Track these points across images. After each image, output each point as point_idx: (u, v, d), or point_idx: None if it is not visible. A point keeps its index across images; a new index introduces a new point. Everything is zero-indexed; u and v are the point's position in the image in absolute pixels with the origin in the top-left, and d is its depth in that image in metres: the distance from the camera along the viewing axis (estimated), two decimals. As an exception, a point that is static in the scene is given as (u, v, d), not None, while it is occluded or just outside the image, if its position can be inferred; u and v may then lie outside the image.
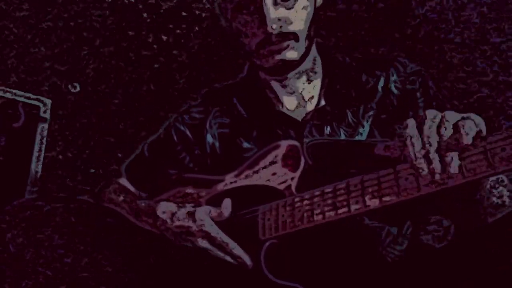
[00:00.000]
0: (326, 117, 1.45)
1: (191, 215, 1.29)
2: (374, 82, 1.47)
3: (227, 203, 1.29)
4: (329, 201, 1.21)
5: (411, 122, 1.07)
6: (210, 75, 2.09)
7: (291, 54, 1.41)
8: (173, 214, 1.31)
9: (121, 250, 1.46)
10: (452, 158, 1.04)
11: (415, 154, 1.05)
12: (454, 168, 1.04)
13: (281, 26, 1.37)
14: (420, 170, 1.05)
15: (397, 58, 1.52)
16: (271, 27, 1.36)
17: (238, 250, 1.26)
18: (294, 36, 1.39)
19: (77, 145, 2.15)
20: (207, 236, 1.27)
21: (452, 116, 1.06)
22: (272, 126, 1.47)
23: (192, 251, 1.30)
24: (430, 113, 1.07)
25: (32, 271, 1.34)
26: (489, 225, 1.22)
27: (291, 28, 1.39)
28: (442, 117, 1.06)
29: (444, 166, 1.05)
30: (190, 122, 1.57)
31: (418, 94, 1.46)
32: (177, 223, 1.30)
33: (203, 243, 1.27)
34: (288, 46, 1.39)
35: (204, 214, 1.28)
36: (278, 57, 1.40)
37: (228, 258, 1.27)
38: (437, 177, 1.05)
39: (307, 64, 1.48)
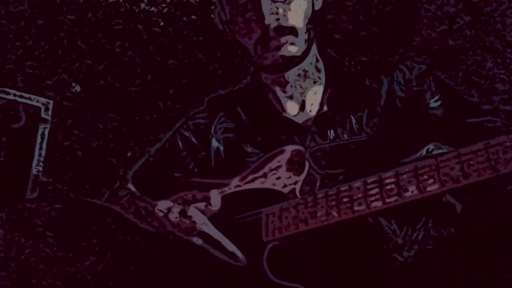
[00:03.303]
0: (329, 122, 1.45)
1: (183, 213, 1.32)
2: (378, 87, 1.46)
3: (213, 194, 1.33)
4: (332, 203, 1.22)
5: None
6: (214, 80, 2.09)
7: (292, 49, 1.41)
8: (168, 211, 1.33)
9: (123, 250, 1.46)
10: None
11: None
12: None
13: (278, 20, 1.38)
14: None
15: (402, 62, 1.51)
16: (268, 20, 1.37)
17: (230, 246, 1.28)
18: (292, 30, 1.40)
19: (78, 146, 2.15)
20: (200, 232, 1.29)
21: None
22: (275, 131, 1.47)
23: (194, 252, 1.31)
24: None
25: (33, 271, 1.34)
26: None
27: (289, 23, 1.39)
28: None
29: None
30: (194, 128, 1.57)
31: (427, 95, 1.44)
32: (173, 220, 1.32)
33: (195, 240, 1.30)
34: (287, 41, 1.39)
35: (196, 211, 1.31)
36: (278, 53, 1.40)
37: (221, 255, 1.28)
38: None
39: (309, 67, 1.48)
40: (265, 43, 1.40)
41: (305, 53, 1.44)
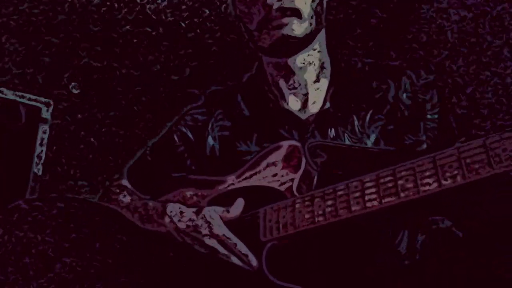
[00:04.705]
0: (330, 120, 1.44)
1: (199, 214, 1.30)
2: (384, 91, 1.45)
3: (239, 203, 1.30)
4: (330, 202, 1.21)
5: None
6: (215, 76, 2.10)
7: (294, 29, 1.38)
8: (182, 214, 1.32)
9: (123, 250, 1.46)
10: None
11: None
12: None
13: (281, 0, 1.36)
14: None
15: (411, 68, 1.49)
16: (270, 0, 1.36)
17: (244, 250, 1.26)
18: (295, 12, 1.38)
19: (78, 146, 2.16)
20: (215, 235, 1.27)
21: None
22: (275, 125, 1.46)
23: (195, 252, 1.31)
24: None
25: (32, 271, 1.34)
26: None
27: (293, 4, 1.38)
28: None
29: None
30: (192, 124, 1.57)
31: (428, 105, 1.43)
32: (186, 222, 1.30)
33: (210, 242, 1.28)
34: (289, 22, 1.37)
35: (213, 213, 1.29)
36: (279, 32, 1.38)
37: (234, 259, 1.27)
38: None
39: (315, 62, 1.47)
40: (267, 23, 1.38)
41: (309, 37, 1.42)
